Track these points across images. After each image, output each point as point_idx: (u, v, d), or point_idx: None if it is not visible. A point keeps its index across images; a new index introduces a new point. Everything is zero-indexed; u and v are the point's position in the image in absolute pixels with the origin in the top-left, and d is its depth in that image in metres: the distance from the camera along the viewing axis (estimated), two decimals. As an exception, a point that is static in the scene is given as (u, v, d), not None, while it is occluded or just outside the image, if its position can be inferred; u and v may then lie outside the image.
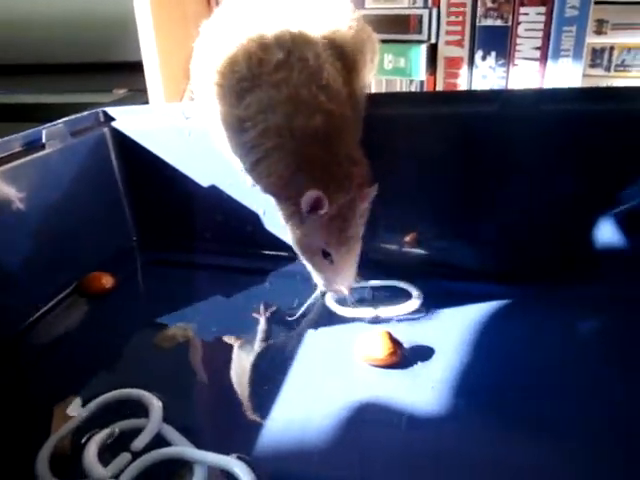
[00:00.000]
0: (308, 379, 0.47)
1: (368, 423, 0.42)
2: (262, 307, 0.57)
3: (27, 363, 0.52)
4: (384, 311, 0.54)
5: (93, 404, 0.44)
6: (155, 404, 0.43)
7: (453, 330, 0.51)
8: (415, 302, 0.55)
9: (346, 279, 0.50)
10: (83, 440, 0.41)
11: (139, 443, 0.39)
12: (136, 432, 0.41)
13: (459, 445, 0.40)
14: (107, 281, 0.61)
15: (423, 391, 0.44)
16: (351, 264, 0.50)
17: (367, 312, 0.54)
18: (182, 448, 0.39)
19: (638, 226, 0.54)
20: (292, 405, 0.44)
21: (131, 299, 0.62)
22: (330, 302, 0.56)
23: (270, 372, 0.48)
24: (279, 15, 0.51)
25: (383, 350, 0.46)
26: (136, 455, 0.39)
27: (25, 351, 0.53)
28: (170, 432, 0.40)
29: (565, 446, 0.39)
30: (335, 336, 0.52)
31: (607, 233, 0.55)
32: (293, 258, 0.63)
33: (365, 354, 0.47)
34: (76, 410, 0.43)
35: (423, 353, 0.48)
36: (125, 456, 0.38)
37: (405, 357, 0.47)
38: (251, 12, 0.52)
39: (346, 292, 0.51)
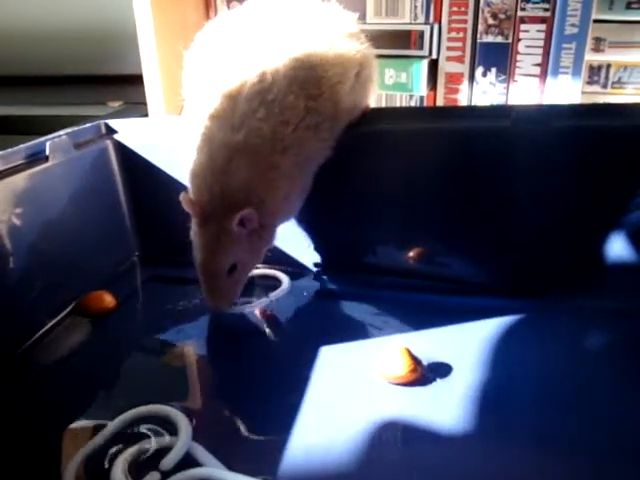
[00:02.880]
0: (327, 398, 0.46)
1: (393, 442, 0.42)
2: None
3: (29, 386, 0.49)
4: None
5: (116, 422, 0.42)
6: (184, 421, 0.42)
7: (468, 345, 0.51)
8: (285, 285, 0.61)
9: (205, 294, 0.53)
10: (109, 458, 0.39)
11: (168, 462, 0.38)
12: (163, 450, 0.39)
13: (485, 463, 0.39)
14: (109, 301, 0.59)
15: (446, 408, 0.44)
16: (206, 278, 0.52)
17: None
18: (216, 470, 0.38)
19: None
20: (312, 425, 0.43)
21: (135, 317, 0.60)
22: None
23: (285, 390, 0.47)
24: (258, 36, 0.52)
25: (403, 367, 0.46)
26: (165, 474, 0.37)
27: (25, 374, 0.51)
28: (199, 451, 0.39)
29: (590, 462, 0.39)
30: (350, 353, 0.51)
31: (617, 247, 0.55)
32: (299, 274, 0.63)
33: (384, 372, 0.46)
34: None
35: (442, 370, 0.48)
36: (154, 475, 0.37)
37: (424, 374, 0.47)
38: (234, 29, 0.54)
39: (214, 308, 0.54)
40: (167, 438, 0.41)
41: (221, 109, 0.50)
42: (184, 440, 0.40)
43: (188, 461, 0.39)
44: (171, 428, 0.42)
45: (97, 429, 0.42)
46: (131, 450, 0.40)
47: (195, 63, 0.55)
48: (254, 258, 0.54)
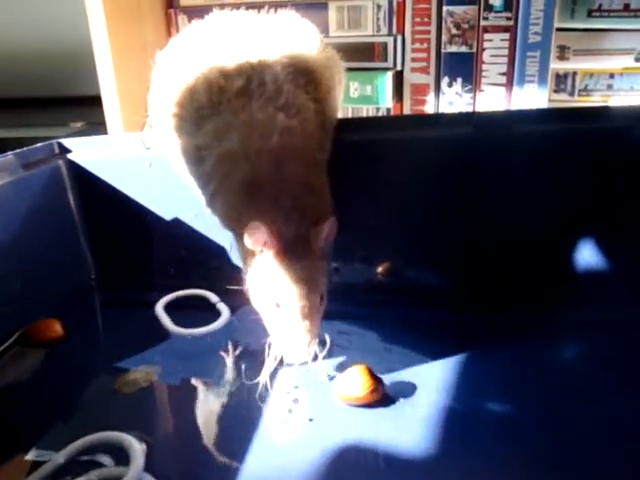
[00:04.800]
0: (283, 422, 0.43)
1: (351, 468, 0.39)
2: (230, 346, 0.53)
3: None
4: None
5: (61, 454, 0.40)
6: (136, 449, 0.39)
7: (434, 363, 0.48)
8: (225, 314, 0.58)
9: (298, 337, 0.41)
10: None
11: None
12: None
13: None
14: (56, 330, 0.55)
15: (409, 430, 0.41)
16: (305, 317, 0.41)
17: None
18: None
19: (618, 248, 0.53)
20: (268, 452, 0.40)
21: (89, 342, 0.57)
22: None
23: (241, 416, 0.44)
24: (239, 43, 0.49)
25: (362, 388, 0.43)
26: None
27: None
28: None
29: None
30: (308, 373, 0.48)
31: (585, 257, 0.54)
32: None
33: (343, 393, 0.44)
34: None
35: (405, 389, 0.45)
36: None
37: (386, 394, 0.44)
38: (210, 41, 0.51)
39: (303, 359, 0.42)
40: (118, 468, 0.38)
41: (233, 123, 0.44)
42: (136, 470, 0.37)
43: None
44: (124, 457, 0.39)
45: (38, 463, 0.40)
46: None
47: (163, 80, 0.51)
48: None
